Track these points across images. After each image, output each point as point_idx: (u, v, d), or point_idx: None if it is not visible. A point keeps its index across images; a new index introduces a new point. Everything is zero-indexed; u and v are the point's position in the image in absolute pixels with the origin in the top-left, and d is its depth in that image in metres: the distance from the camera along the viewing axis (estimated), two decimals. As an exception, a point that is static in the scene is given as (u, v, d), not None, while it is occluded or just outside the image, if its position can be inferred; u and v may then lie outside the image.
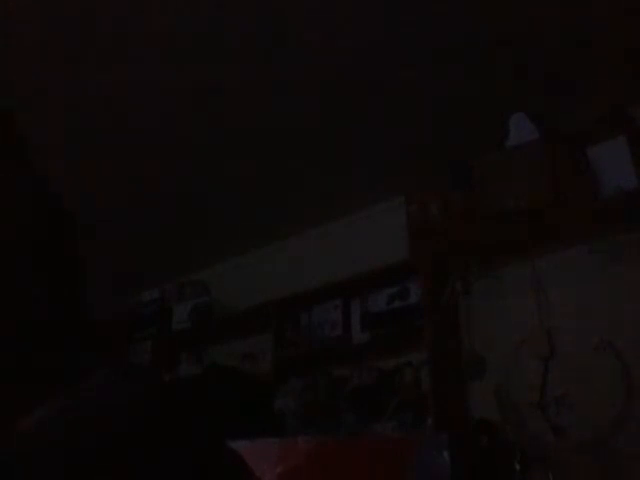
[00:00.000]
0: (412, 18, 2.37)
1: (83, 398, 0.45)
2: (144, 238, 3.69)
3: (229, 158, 3.11)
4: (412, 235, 2.93)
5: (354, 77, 2.63)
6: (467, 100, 2.73)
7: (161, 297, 4.04)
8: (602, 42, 2.49)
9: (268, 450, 1.21)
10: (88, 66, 2.51)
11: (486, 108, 2.73)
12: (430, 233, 2.86)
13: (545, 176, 2.55)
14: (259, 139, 2.99)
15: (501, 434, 2.60)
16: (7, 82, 2.40)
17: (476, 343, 2.89)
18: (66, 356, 0.53)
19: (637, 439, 2.35)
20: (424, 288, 2.92)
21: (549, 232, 2.67)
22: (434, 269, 2.93)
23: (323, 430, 2.98)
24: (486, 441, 2.55)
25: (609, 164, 2.49)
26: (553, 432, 2.51)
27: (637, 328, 2.42)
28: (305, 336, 3.35)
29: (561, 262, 2.74)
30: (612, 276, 2.60)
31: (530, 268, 2.75)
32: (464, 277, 2.97)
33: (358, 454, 1.27)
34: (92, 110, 2.74)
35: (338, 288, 3.26)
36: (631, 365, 2.46)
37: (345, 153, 3.10)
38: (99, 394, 0.45)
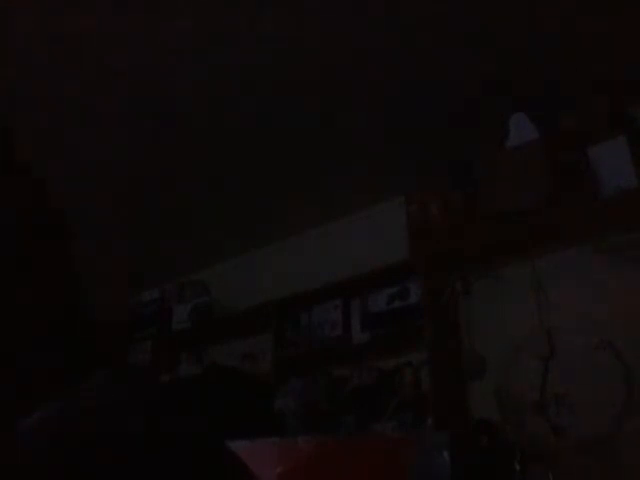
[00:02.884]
0: (412, 18, 2.37)
1: (83, 398, 0.45)
2: (144, 238, 3.69)
3: (229, 158, 3.11)
4: (412, 235, 2.93)
5: (354, 77, 2.64)
6: (467, 100, 2.73)
7: (161, 297, 4.04)
8: (602, 42, 2.49)
9: (268, 450, 1.20)
10: (89, 60, 2.52)
11: (486, 108, 2.73)
12: (430, 233, 2.86)
13: (545, 176, 2.55)
14: (259, 139, 2.99)
15: (501, 434, 2.59)
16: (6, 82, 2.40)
17: (476, 343, 2.88)
18: (66, 356, 0.53)
19: (637, 439, 2.35)
20: (424, 288, 2.92)
21: (549, 232, 2.67)
22: (434, 269, 2.93)
23: (323, 430, 2.98)
24: (486, 441, 2.54)
25: (609, 164, 2.49)
26: (553, 432, 2.51)
27: (637, 328, 2.42)
28: (305, 336, 3.35)
29: (561, 262, 2.74)
30: (612, 276, 2.60)
31: (530, 268, 2.74)
32: (464, 277, 2.97)
33: (358, 454, 1.27)
34: (92, 108, 2.74)
35: (338, 288, 3.25)
36: (631, 365, 2.46)
37: (345, 153, 3.10)
38: (99, 394, 0.45)
